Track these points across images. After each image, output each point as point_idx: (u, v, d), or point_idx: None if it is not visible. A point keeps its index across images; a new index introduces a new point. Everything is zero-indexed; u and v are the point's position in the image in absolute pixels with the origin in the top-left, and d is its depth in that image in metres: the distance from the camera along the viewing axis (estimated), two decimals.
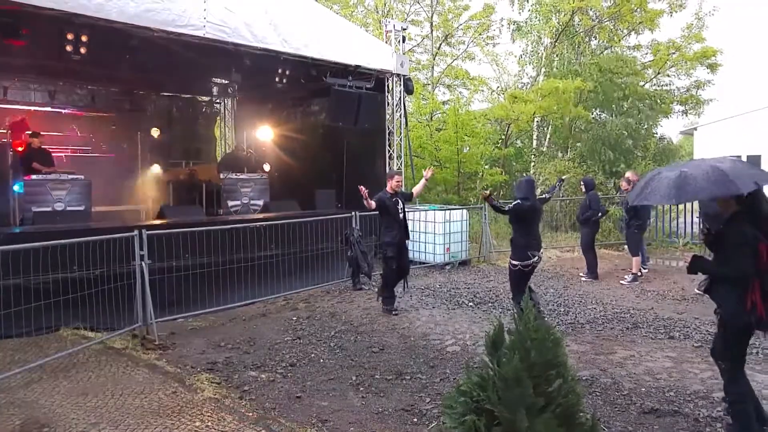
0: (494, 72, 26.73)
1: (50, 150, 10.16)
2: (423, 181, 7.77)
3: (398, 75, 11.75)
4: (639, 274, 9.26)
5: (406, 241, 7.63)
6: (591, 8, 19.44)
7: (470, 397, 2.66)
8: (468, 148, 17.93)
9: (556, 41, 20.06)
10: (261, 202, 11.33)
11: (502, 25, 22.87)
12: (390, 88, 11.85)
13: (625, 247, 10.60)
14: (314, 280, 8.94)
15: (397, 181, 7.49)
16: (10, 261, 5.79)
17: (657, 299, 8.04)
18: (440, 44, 24.31)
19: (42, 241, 5.75)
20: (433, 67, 24.56)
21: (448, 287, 8.85)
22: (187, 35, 8.30)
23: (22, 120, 11.04)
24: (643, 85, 19.54)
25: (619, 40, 20.83)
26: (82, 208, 8.81)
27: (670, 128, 31.57)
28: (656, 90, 19.85)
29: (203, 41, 8.55)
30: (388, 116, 11.90)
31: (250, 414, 4.26)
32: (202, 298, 7.39)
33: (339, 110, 11.01)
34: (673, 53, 19.50)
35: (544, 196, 7.32)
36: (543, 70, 20.55)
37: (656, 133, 20.35)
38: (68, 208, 8.64)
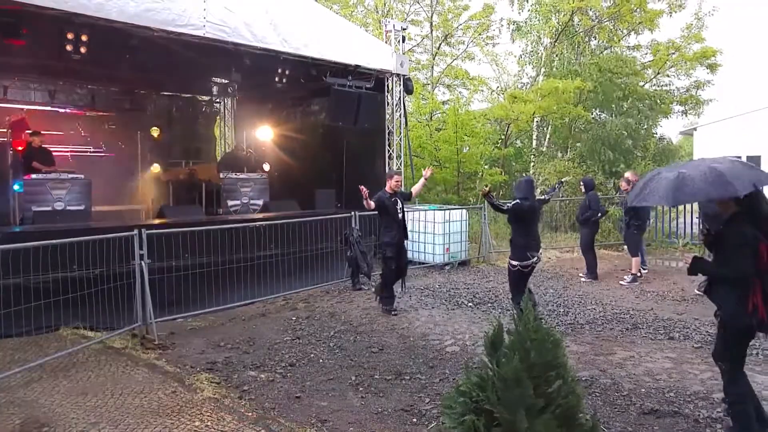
0: (494, 72, 26.79)
1: (50, 149, 10.16)
2: (422, 180, 7.78)
3: (398, 75, 11.75)
4: (638, 274, 9.26)
5: (405, 241, 7.63)
6: (591, 8, 19.44)
7: (470, 397, 2.66)
8: (468, 148, 17.94)
9: (555, 41, 20.07)
10: (261, 202, 11.34)
11: (502, 25, 22.92)
12: (390, 88, 11.85)
13: (625, 247, 10.61)
14: (314, 280, 8.94)
15: (396, 181, 7.49)
16: (10, 260, 5.80)
17: (657, 300, 8.04)
18: (440, 44, 24.31)
19: (42, 240, 5.75)
20: (432, 67, 24.58)
21: (448, 287, 8.85)
22: (187, 35, 8.30)
23: (22, 119, 11.04)
24: (643, 85, 19.55)
25: (619, 40, 20.84)
26: (82, 207, 8.82)
27: (669, 128, 31.77)
28: (656, 90, 19.86)
29: (203, 41, 8.55)
30: (387, 116, 11.90)
31: (250, 414, 4.26)
32: (202, 298, 7.39)
33: (339, 110, 11.01)
34: (673, 53, 19.50)
35: (543, 197, 7.33)
36: (543, 70, 20.55)
37: (656, 134, 20.39)
38: (68, 208, 8.65)
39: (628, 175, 9.85)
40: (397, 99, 11.90)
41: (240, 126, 15.61)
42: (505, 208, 6.39)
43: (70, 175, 9.15)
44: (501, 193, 18.26)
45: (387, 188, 7.44)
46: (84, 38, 7.78)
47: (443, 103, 22.98)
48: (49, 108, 12.17)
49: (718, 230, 3.83)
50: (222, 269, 7.53)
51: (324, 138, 12.54)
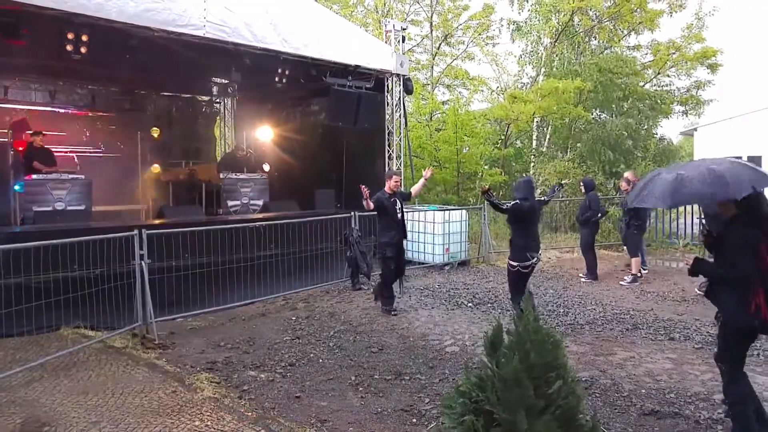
0: (494, 72, 26.78)
1: (51, 149, 10.16)
2: (422, 180, 7.78)
3: (398, 75, 11.75)
4: (639, 275, 9.26)
5: (404, 241, 7.64)
6: (591, 8, 19.45)
7: (469, 397, 2.67)
8: (467, 149, 17.95)
9: (555, 41, 20.08)
10: (260, 202, 11.34)
11: (502, 25, 22.93)
12: (390, 88, 11.85)
13: (625, 247, 10.60)
14: (313, 280, 8.95)
15: (395, 181, 7.50)
16: (11, 260, 5.82)
17: (657, 300, 8.04)
18: (440, 44, 24.31)
19: (42, 240, 5.76)
20: (432, 67, 24.57)
21: (447, 288, 8.85)
22: (187, 35, 8.30)
23: (23, 120, 11.04)
24: (643, 86, 19.55)
25: (619, 40, 20.84)
26: (82, 207, 8.83)
27: (670, 129, 31.75)
28: (656, 90, 19.86)
29: (203, 41, 8.55)
30: (387, 116, 11.90)
31: (250, 413, 4.27)
32: (202, 298, 7.40)
33: (338, 110, 11.01)
34: (673, 53, 19.50)
35: (543, 198, 7.33)
36: (543, 70, 20.56)
37: (656, 134, 20.39)
38: (69, 208, 8.66)
39: (627, 175, 9.85)
40: (397, 99, 11.90)
41: (240, 126, 15.60)
42: (505, 207, 6.40)
43: (71, 176, 9.16)
44: (501, 193, 18.27)
45: (386, 188, 7.44)
46: (84, 38, 7.77)
47: (443, 103, 22.98)
48: (49, 108, 12.17)
49: (719, 232, 3.83)
50: (222, 269, 7.54)
51: (324, 138, 12.54)
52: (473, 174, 18.51)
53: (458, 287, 8.87)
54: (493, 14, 22.82)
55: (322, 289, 8.82)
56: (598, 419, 3.22)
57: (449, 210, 11.32)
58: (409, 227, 8.19)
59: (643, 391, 4.75)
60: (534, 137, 20.69)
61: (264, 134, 13.83)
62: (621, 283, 9.15)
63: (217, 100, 15.94)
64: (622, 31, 20.63)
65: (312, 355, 5.74)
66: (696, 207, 10.84)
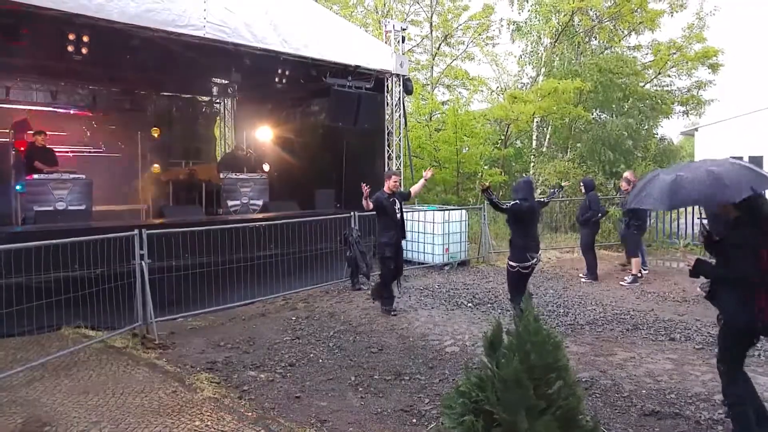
0: (494, 72, 26.77)
1: (53, 149, 10.16)
2: (422, 181, 7.79)
3: (398, 75, 11.75)
4: (639, 275, 9.26)
5: (403, 241, 7.64)
6: (591, 8, 19.44)
7: (469, 398, 2.67)
8: (467, 149, 17.94)
9: (555, 41, 20.07)
10: (260, 202, 11.35)
11: (502, 26, 22.94)
12: (389, 89, 11.85)
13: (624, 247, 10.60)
14: (313, 280, 8.95)
15: (395, 182, 7.50)
16: (12, 260, 5.82)
17: (657, 300, 8.05)
18: (440, 44, 24.32)
19: (43, 240, 5.77)
20: (432, 68, 24.58)
21: (447, 288, 8.86)
22: (187, 35, 8.30)
23: (24, 120, 11.05)
24: (644, 86, 19.53)
25: (620, 41, 20.83)
26: (83, 207, 8.84)
27: (670, 129, 31.78)
28: (657, 90, 19.84)
29: (203, 41, 8.55)
30: (387, 116, 11.90)
31: (250, 414, 4.27)
32: (202, 298, 7.40)
33: (338, 110, 11.01)
34: (674, 53, 19.48)
35: (542, 199, 7.33)
36: (543, 70, 20.56)
37: (657, 134, 20.38)
38: (69, 208, 8.67)
39: (627, 175, 9.86)
40: (396, 99, 11.90)
41: (240, 126, 15.60)
42: (504, 207, 6.40)
43: (72, 176, 9.16)
44: (501, 193, 18.28)
45: (385, 188, 7.45)
46: (85, 39, 7.79)
47: (443, 103, 22.98)
48: (50, 108, 12.18)
49: (720, 234, 3.83)
50: (222, 269, 7.54)
51: (324, 138, 12.54)
52: (473, 174, 18.51)
53: (458, 287, 8.88)
54: (493, 14, 22.87)
55: (322, 289, 8.82)
56: (598, 420, 3.22)
57: (449, 210, 11.32)
58: (408, 227, 8.19)
59: (644, 391, 4.75)
60: (534, 137, 20.69)
61: (264, 134, 13.82)
62: (621, 283, 9.15)
63: (217, 101, 15.94)
64: (623, 31, 20.62)
65: (312, 355, 5.75)
66: (696, 207, 10.83)
